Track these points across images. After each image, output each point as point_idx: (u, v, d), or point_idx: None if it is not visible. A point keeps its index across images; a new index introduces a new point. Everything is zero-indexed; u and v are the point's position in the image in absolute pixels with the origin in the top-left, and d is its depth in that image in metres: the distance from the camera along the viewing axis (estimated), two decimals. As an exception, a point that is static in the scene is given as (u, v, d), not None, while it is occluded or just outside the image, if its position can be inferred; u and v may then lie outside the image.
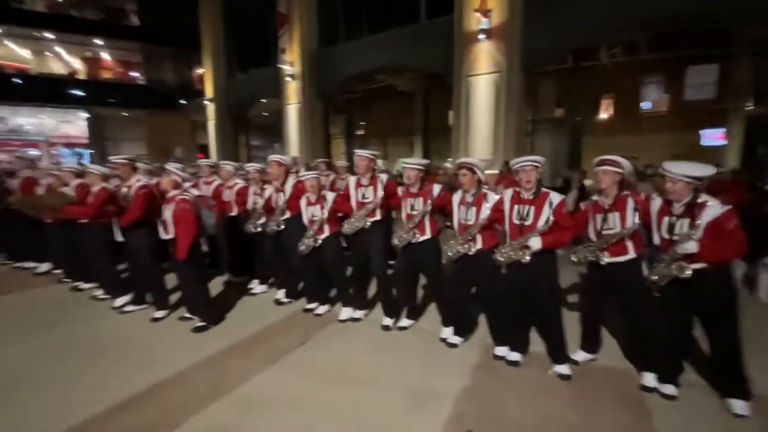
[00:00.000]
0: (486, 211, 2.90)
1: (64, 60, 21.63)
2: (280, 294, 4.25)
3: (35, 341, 3.40)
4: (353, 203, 3.53)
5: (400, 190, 3.41)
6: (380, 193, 3.44)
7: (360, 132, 16.95)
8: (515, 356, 2.95)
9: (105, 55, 22.50)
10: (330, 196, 3.70)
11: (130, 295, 4.07)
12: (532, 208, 2.70)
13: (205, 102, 16.21)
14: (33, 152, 17.66)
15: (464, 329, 3.31)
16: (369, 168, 3.49)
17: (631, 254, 2.60)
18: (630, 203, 2.57)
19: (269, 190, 4.13)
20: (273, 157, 4.13)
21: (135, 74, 22.98)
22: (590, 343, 2.96)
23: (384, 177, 3.56)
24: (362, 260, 3.64)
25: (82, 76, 21.76)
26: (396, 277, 3.67)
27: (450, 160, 8.16)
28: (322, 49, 11.86)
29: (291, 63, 11.89)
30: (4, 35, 19.62)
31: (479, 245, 2.95)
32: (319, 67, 11.84)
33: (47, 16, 20.38)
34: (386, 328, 3.53)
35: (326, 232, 3.67)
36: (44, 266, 5.28)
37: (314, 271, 3.84)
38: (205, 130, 17.42)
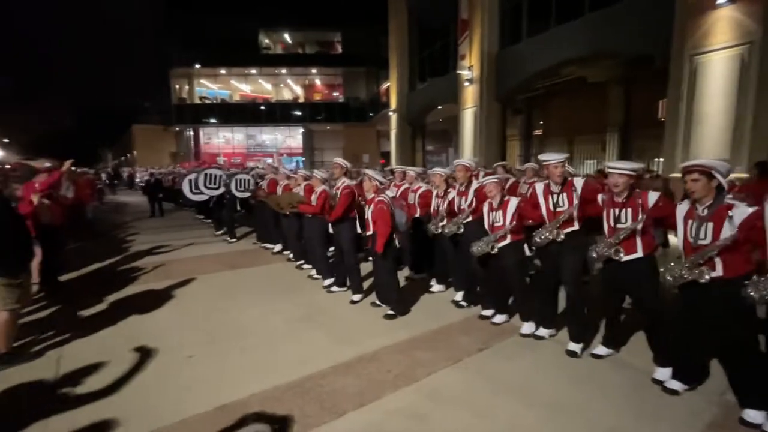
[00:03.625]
0: (728, 230, 2.24)
1: (291, 88, 28.17)
2: (459, 296, 4.35)
3: (270, 305, 4.40)
4: (544, 212, 3.27)
5: (600, 198, 2.97)
6: (576, 202, 3.09)
7: (538, 132, 15.71)
8: (780, 429, 2.17)
9: (317, 81, 28.16)
10: (514, 201, 3.55)
11: (335, 278, 4.87)
12: None
13: (390, 113, 18.10)
14: (269, 161, 23.53)
15: (689, 375, 2.63)
16: (562, 175, 3.19)
17: None
18: None
19: (452, 193, 4.26)
20: (459, 161, 4.25)
21: (336, 94, 27.89)
22: None
23: (580, 181, 3.19)
24: (551, 273, 3.34)
25: (301, 99, 27.90)
26: (597, 299, 3.23)
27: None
28: (502, 50, 11.56)
29: (469, 67, 12.02)
30: (258, 75, 26.98)
31: (719, 272, 2.30)
32: (498, 69, 11.58)
33: (283, 57, 27.36)
34: (572, 354, 3.14)
35: (507, 240, 3.52)
36: (278, 247, 6.89)
37: (491, 278, 3.76)
38: (387, 138, 19.54)
